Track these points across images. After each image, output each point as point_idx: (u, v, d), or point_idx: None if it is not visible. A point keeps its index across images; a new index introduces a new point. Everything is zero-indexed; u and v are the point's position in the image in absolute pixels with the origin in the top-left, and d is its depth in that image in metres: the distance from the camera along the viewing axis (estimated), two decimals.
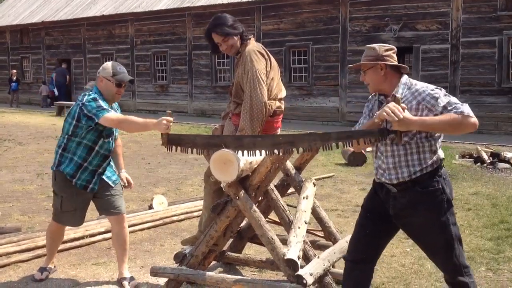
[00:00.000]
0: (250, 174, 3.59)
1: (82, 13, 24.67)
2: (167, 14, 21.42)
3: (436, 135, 2.96)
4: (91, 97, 3.94)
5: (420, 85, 2.99)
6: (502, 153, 9.79)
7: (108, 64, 4.06)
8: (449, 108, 2.82)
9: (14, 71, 26.11)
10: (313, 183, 4.15)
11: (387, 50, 3.06)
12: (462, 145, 12.09)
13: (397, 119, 2.74)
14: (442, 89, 2.95)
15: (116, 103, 4.27)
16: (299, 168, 4.19)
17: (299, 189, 4.05)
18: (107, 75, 4.00)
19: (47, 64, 26.56)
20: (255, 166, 3.57)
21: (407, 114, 2.78)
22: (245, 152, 3.34)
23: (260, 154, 3.37)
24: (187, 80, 21.22)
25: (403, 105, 2.80)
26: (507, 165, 9.34)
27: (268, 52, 4.04)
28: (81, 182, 4.04)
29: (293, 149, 3.27)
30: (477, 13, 14.50)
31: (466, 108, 2.80)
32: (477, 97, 14.62)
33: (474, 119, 2.79)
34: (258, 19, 18.85)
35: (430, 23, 15.27)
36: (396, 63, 3.06)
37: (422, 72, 15.47)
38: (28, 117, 19.58)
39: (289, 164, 4.06)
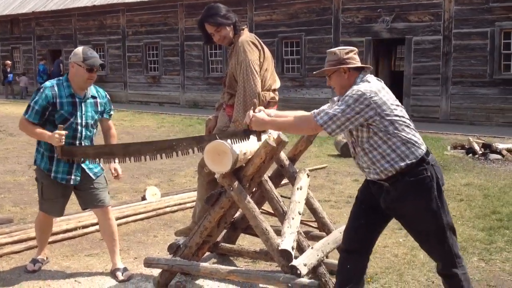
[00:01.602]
0: (244, 165, 3.59)
1: (73, 3, 24.45)
2: (159, 5, 21.28)
3: (395, 125, 2.95)
4: (38, 88, 4.01)
5: (355, 87, 2.99)
6: (493, 144, 9.84)
7: (79, 49, 4.01)
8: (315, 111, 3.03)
9: (9, 62, 25.88)
10: (307, 174, 4.15)
11: (347, 53, 3.11)
12: (454, 136, 12.15)
13: (248, 121, 3.15)
14: (359, 97, 2.91)
15: (104, 91, 4.26)
16: (293, 159, 4.19)
17: (292, 180, 4.05)
18: (77, 60, 3.95)
19: (38, 55, 26.34)
20: (249, 157, 3.56)
21: (258, 115, 3.12)
22: (132, 158, 3.72)
23: (145, 160, 3.69)
24: (179, 71, 21.13)
25: (260, 107, 3.27)
26: (498, 156, 9.39)
27: (261, 43, 4.02)
28: (62, 176, 4.02)
29: (174, 153, 3.61)
30: (469, 4, 14.52)
31: (323, 113, 2.95)
32: (469, 88, 14.68)
33: (313, 124, 2.98)
34: (251, 10, 18.78)
35: (422, 15, 15.27)
36: (358, 64, 3.11)
37: (414, 64, 15.50)
38: (19, 108, 19.42)
39: (283, 155, 4.05)
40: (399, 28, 15.68)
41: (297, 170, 4.11)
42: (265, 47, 4.02)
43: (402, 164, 2.95)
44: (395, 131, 2.95)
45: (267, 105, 3.96)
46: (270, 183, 3.89)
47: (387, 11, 15.81)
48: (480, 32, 14.41)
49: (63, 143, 3.79)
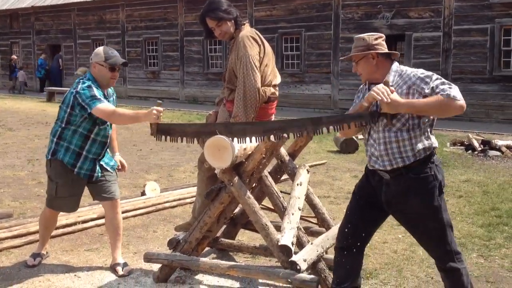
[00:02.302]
0: (244, 160, 3.59)
1: None
2: (159, 0, 21.23)
3: (427, 122, 2.97)
4: (85, 85, 3.89)
5: (411, 70, 3.00)
6: (493, 141, 9.85)
7: (100, 49, 4.02)
8: (436, 90, 2.84)
9: (15, 56, 25.84)
10: (307, 169, 4.15)
11: (376, 39, 3.06)
12: (453, 133, 12.16)
13: (386, 100, 2.80)
14: (434, 74, 2.96)
15: (112, 88, 4.24)
16: (292, 154, 4.19)
17: (292, 175, 4.05)
18: (99, 60, 3.95)
19: (37, 50, 26.29)
20: (250, 152, 3.56)
21: (395, 96, 2.84)
22: (235, 138, 3.34)
23: (251, 141, 3.38)
24: (179, 66, 21.10)
25: (391, 87, 2.87)
26: (497, 153, 9.40)
27: (262, 38, 4.00)
28: (85, 172, 4.03)
29: (284, 134, 3.28)
30: (469, 1, 14.49)
31: (453, 91, 2.82)
32: (469, 85, 14.66)
33: (461, 102, 2.81)
34: (251, 5, 18.74)
35: (422, 11, 15.25)
36: (386, 50, 3.07)
37: (414, 60, 15.47)
38: (18, 103, 19.43)
39: (283, 151, 4.05)
40: (399, 24, 15.65)
41: (297, 166, 4.12)
42: (265, 42, 4.01)
43: (413, 159, 2.95)
44: (421, 130, 2.94)
45: (268, 100, 3.96)
46: (270, 178, 3.89)
47: (387, 7, 15.79)
48: (480, 29, 14.39)
49: (160, 120, 3.53)
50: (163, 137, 3.50)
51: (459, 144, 10.35)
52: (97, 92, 3.88)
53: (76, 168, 4.00)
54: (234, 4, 4.21)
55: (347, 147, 9.83)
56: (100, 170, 4.09)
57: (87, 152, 3.99)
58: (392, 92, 2.84)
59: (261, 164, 3.65)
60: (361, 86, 3.23)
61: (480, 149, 9.66)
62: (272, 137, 3.32)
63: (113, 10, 23.04)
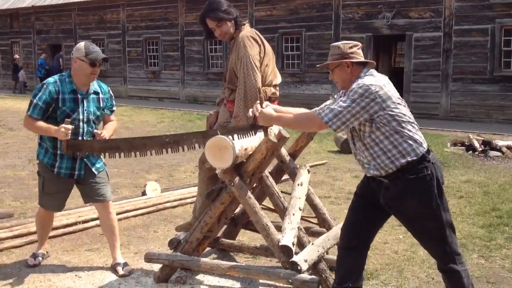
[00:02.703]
0: (245, 160, 3.59)
1: None
2: (159, 0, 21.23)
3: (397, 121, 2.95)
4: (40, 84, 4.00)
5: (361, 81, 2.98)
6: (493, 141, 9.84)
7: (81, 44, 4.00)
8: (322, 106, 3.04)
9: (17, 56, 25.84)
10: (308, 170, 4.15)
11: (351, 47, 3.10)
12: (454, 133, 12.15)
13: (256, 115, 3.17)
14: (360, 90, 2.91)
15: (107, 87, 4.23)
16: (293, 155, 4.19)
17: (293, 175, 4.05)
18: (80, 55, 3.93)
19: (37, 49, 26.29)
20: (250, 152, 3.56)
21: (265, 110, 3.13)
22: (138, 153, 3.76)
23: (151, 154, 3.74)
24: (179, 66, 21.11)
25: (266, 102, 3.28)
26: (498, 153, 9.39)
27: (262, 38, 4.01)
28: (65, 171, 4.03)
29: (179, 147, 3.66)
30: (470, 1, 14.49)
31: (327, 110, 2.93)
32: (469, 85, 14.67)
33: (318, 121, 2.95)
34: (251, 5, 18.74)
35: (423, 11, 15.25)
36: (361, 59, 3.11)
37: (414, 60, 15.48)
38: (18, 103, 19.43)
39: (283, 151, 4.05)
40: (400, 24, 15.65)
41: (298, 166, 4.11)
42: (266, 42, 4.01)
43: (403, 161, 2.95)
44: (398, 127, 2.95)
45: (268, 100, 3.95)
46: (270, 178, 3.89)
47: (387, 7, 15.78)
48: (481, 29, 14.39)
49: (69, 137, 3.78)
50: (73, 152, 3.90)
51: (459, 145, 10.35)
52: (40, 96, 3.90)
53: (55, 168, 4.02)
54: (234, 4, 4.22)
55: (348, 147, 9.80)
56: (82, 169, 4.07)
57: (60, 149, 3.98)
58: (265, 106, 3.16)
59: (262, 164, 3.64)
60: (336, 95, 3.28)
61: (480, 149, 9.65)
62: (168, 150, 3.67)
63: (113, 10, 23.05)
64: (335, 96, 3.25)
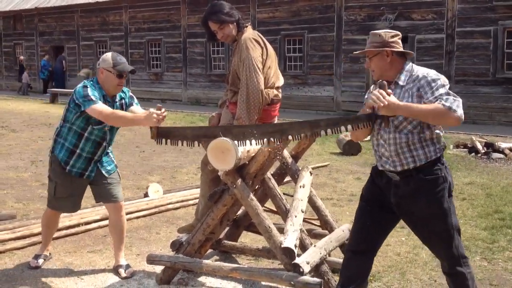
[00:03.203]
0: (247, 162, 3.59)
1: None
2: (162, 1, 21.28)
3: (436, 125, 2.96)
4: (83, 84, 3.93)
5: (422, 71, 2.97)
6: (496, 143, 9.83)
7: (108, 55, 4.00)
8: (439, 99, 2.83)
9: (22, 57, 25.88)
10: (310, 172, 4.15)
11: (393, 37, 3.03)
12: (456, 135, 12.13)
13: (382, 104, 2.81)
14: (443, 79, 2.92)
15: (130, 92, 4.22)
16: (295, 156, 4.19)
17: (295, 177, 4.05)
18: (107, 67, 3.94)
19: (40, 51, 26.34)
20: (253, 154, 3.56)
21: (392, 99, 2.83)
22: (236, 142, 3.35)
23: (251, 144, 3.39)
24: (182, 68, 21.13)
25: (389, 90, 2.87)
26: (501, 155, 9.38)
27: (264, 40, 4.01)
28: (77, 170, 4.04)
29: (284, 137, 3.30)
30: (472, 3, 14.48)
31: (455, 104, 2.81)
32: (472, 87, 14.65)
33: (457, 114, 2.80)
34: (253, 7, 18.76)
35: (425, 13, 15.24)
36: (401, 49, 3.04)
37: (417, 62, 15.43)
38: (21, 104, 19.46)
39: (286, 153, 4.05)
40: (402, 26, 15.63)
41: (300, 168, 4.11)
42: (268, 44, 4.01)
43: (424, 161, 2.94)
44: (432, 129, 2.94)
45: (271, 103, 3.96)
46: (273, 180, 3.89)
47: (390, 9, 15.78)
48: (483, 31, 14.37)
49: (160, 124, 3.55)
50: (163, 140, 3.51)
51: (462, 147, 10.33)
52: (92, 92, 3.85)
53: (68, 166, 4.01)
54: (237, 6, 4.22)
55: (350, 149, 9.82)
56: (93, 170, 4.08)
57: (81, 150, 3.99)
58: (389, 95, 2.83)
59: (264, 166, 3.64)
60: (372, 86, 3.18)
61: (483, 151, 9.64)
62: (272, 140, 3.33)
63: (116, 12, 23.09)
64: (371, 88, 3.15)
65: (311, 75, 17.59)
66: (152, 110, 3.58)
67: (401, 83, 2.95)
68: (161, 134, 3.50)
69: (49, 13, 25.70)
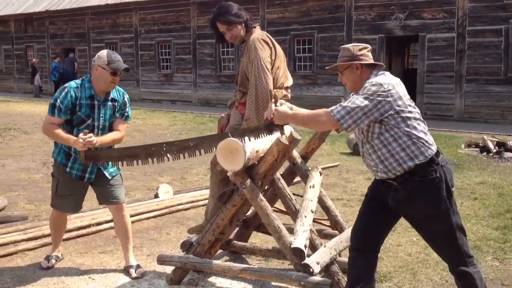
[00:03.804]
0: (256, 163, 3.59)
1: (86, 2, 24.59)
2: (172, 3, 21.34)
3: (407, 122, 2.94)
4: (62, 87, 4.00)
5: (368, 82, 2.98)
6: (508, 143, 9.75)
7: (103, 53, 4.03)
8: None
9: (35, 60, 26.06)
10: (320, 172, 4.14)
11: (361, 50, 3.10)
12: (468, 135, 12.05)
13: (271, 116, 3.17)
14: (372, 89, 2.89)
15: (123, 93, 4.24)
16: (305, 157, 4.18)
17: (305, 178, 4.04)
18: (102, 64, 3.96)
19: (51, 54, 26.53)
20: (262, 155, 3.56)
21: (281, 109, 3.11)
22: (155, 159, 3.68)
23: (168, 160, 3.68)
24: (191, 69, 21.18)
25: (281, 100, 3.28)
26: None
27: (273, 41, 4.01)
28: (76, 172, 4.07)
29: (196, 151, 3.63)
30: (483, 1, 14.37)
31: (338, 108, 2.89)
32: (483, 86, 14.54)
33: (330, 118, 2.91)
34: (263, 7, 18.76)
35: (436, 12, 15.15)
36: (371, 61, 3.09)
37: (427, 61, 15.38)
38: (33, 106, 19.62)
39: (295, 153, 4.05)
40: (413, 25, 15.57)
41: (310, 168, 4.10)
42: (277, 44, 4.01)
43: (411, 163, 2.94)
44: (407, 129, 2.94)
45: None
46: (282, 181, 3.88)
47: (400, 8, 15.71)
48: (494, 30, 14.26)
49: (87, 148, 3.77)
50: (92, 162, 3.88)
51: (473, 146, 10.26)
52: (62, 100, 3.90)
53: (67, 168, 4.06)
54: (246, 7, 4.22)
55: None
56: (93, 173, 4.10)
57: (75, 153, 4.02)
58: (280, 105, 3.16)
59: (273, 166, 3.64)
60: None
61: (495, 150, 9.56)
62: (186, 155, 3.61)
63: (126, 14, 23.20)
64: (347, 98, 3.23)
65: (320, 75, 17.56)
66: (80, 135, 3.76)
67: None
68: (89, 157, 3.83)
69: (60, 15, 25.88)
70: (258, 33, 3.96)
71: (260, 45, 3.87)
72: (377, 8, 16.22)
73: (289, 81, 4.07)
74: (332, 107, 2.95)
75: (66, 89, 3.96)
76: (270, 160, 3.51)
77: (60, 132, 3.93)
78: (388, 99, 2.88)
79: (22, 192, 6.87)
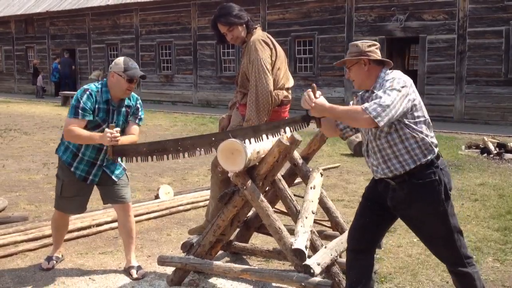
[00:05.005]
0: (257, 163, 3.59)
1: (87, 2, 24.62)
2: (172, 4, 21.35)
3: (418, 124, 2.94)
4: (85, 87, 3.98)
5: (389, 77, 2.96)
6: (508, 144, 9.74)
7: (120, 60, 4.04)
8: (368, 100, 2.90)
9: (36, 60, 26.08)
10: (321, 173, 4.14)
11: (369, 46, 3.07)
12: (468, 136, 12.05)
13: (308, 105, 3.00)
14: (396, 86, 2.86)
15: (136, 97, 4.22)
16: (306, 158, 4.18)
17: (306, 179, 4.04)
18: (118, 71, 3.97)
19: (52, 54, 26.54)
20: (263, 155, 3.56)
21: (319, 101, 2.96)
22: (186, 153, 3.57)
23: (200, 154, 3.59)
24: (192, 70, 21.19)
25: (318, 92, 3.05)
26: None
27: (274, 41, 4.01)
28: (80, 173, 4.07)
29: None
30: (484, 2, 14.38)
31: (373, 106, 2.77)
32: (484, 87, 14.54)
33: (368, 116, 2.75)
34: (263, 8, 18.77)
35: (436, 13, 15.16)
36: (379, 57, 3.07)
37: (428, 63, 15.39)
38: (33, 107, 19.63)
39: (296, 154, 4.05)
40: (413, 26, 15.58)
41: (311, 169, 4.10)
42: (277, 45, 4.00)
43: (413, 166, 2.94)
44: (415, 131, 2.93)
45: (281, 104, 3.96)
46: (283, 182, 3.88)
47: (400, 9, 15.72)
48: (495, 31, 14.27)
49: (115, 142, 3.68)
50: (120, 157, 3.78)
51: (474, 147, 10.26)
52: (85, 102, 3.88)
53: (72, 168, 4.06)
54: (247, 8, 4.22)
55: (361, 150, 9.77)
56: (97, 175, 4.10)
57: (82, 154, 4.02)
58: (315, 97, 2.98)
59: (274, 167, 3.64)
60: (362, 92, 3.22)
61: (495, 152, 9.56)
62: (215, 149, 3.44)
63: (127, 14, 23.22)
64: (359, 94, 3.20)
65: (321, 76, 17.57)
66: (107, 129, 3.70)
67: (375, 91, 2.96)
68: (116, 152, 3.72)
69: (60, 16, 25.90)
70: (258, 34, 3.96)
71: (261, 46, 3.87)
72: (378, 10, 16.23)
73: (290, 82, 4.07)
74: (365, 105, 2.81)
75: (88, 91, 3.93)
76: (271, 161, 3.51)
77: (83, 131, 3.89)
78: (409, 97, 2.87)
79: (22, 192, 6.87)
